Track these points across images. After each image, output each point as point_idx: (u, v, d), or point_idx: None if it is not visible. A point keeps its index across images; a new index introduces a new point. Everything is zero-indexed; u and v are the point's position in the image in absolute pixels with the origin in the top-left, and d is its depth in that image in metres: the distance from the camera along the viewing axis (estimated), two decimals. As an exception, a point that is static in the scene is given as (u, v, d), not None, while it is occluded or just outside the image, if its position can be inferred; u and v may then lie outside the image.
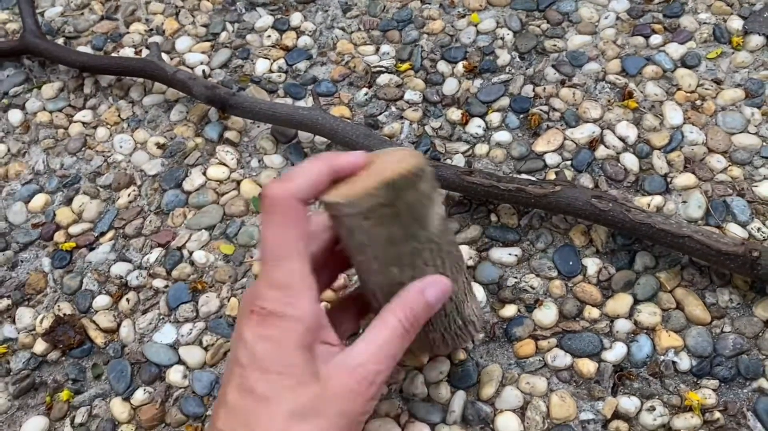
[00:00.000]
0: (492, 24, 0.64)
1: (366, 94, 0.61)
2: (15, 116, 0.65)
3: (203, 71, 0.64)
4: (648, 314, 0.47)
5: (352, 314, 0.42)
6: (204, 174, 0.59)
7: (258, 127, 0.61)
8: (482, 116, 0.59)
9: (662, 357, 0.46)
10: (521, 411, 0.45)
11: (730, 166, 0.53)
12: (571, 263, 0.50)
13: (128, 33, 0.70)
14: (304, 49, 0.66)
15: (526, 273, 0.50)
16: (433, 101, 0.60)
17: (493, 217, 0.53)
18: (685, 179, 0.53)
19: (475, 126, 0.58)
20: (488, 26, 0.64)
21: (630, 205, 0.47)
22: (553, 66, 0.61)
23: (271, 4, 0.70)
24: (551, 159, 0.55)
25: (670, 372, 0.45)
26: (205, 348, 0.50)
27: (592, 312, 0.48)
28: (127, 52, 0.68)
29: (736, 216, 0.51)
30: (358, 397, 0.33)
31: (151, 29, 0.70)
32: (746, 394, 0.44)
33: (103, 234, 0.57)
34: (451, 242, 0.38)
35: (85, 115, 0.64)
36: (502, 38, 0.63)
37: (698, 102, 0.57)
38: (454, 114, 0.59)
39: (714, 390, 0.44)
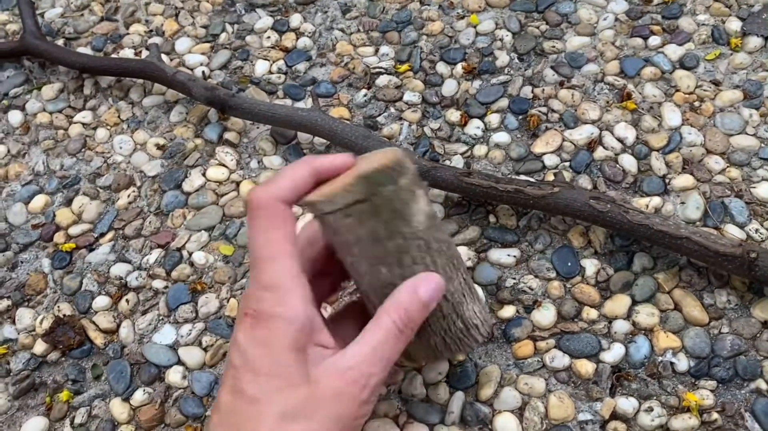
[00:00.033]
0: (491, 25, 0.65)
1: (365, 95, 0.62)
2: (15, 117, 0.65)
3: (203, 72, 0.64)
4: (646, 315, 0.48)
5: (355, 321, 0.42)
6: (203, 175, 0.59)
7: (257, 128, 0.61)
8: (481, 117, 0.59)
9: (660, 358, 0.46)
10: (519, 412, 0.45)
11: (728, 167, 0.53)
12: (569, 264, 0.50)
13: (128, 34, 0.70)
14: (303, 50, 0.66)
15: (524, 274, 0.51)
16: (432, 102, 0.60)
17: (492, 218, 0.53)
18: (684, 180, 0.53)
19: (474, 127, 0.58)
20: (487, 27, 0.64)
21: (628, 206, 0.47)
22: (551, 67, 0.61)
23: (270, 5, 0.70)
24: (550, 160, 0.56)
25: (668, 373, 0.46)
26: (205, 349, 0.50)
27: (590, 313, 0.48)
28: (127, 53, 0.68)
29: (734, 217, 0.51)
30: (350, 400, 0.33)
31: (151, 30, 0.70)
32: (744, 395, 0.44)
33: (102, 235, 0.57)
34: (442, 240, 0.37)
35: (84, 116, 0.64)
36: (501, 39, 0.63)
37: (697, 103, 0.57)
38: (453, 115, 0.59)
39: (712, 390, 0.45)
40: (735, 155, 0.54)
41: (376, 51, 0.65)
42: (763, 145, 0.54)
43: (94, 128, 0.64)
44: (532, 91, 0.60)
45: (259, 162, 0.59)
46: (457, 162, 0.56)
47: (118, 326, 0.52)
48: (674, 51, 0.60)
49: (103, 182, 0.60)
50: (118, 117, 0.64)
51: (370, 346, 0.34)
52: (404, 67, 0.63)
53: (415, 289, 0.35)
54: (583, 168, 0.55)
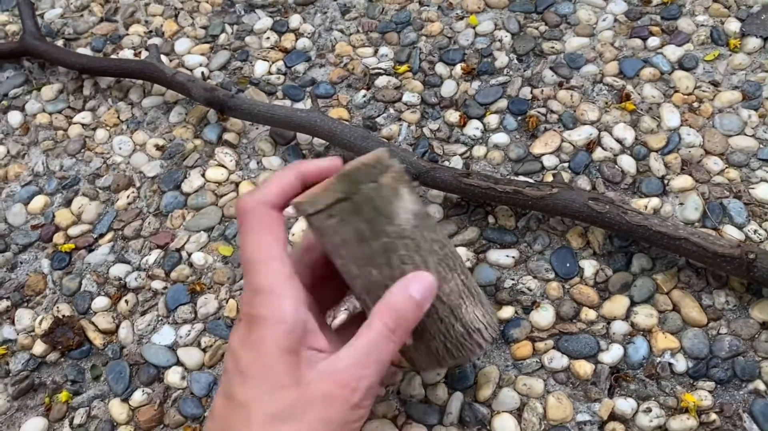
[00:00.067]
0: (490, 26, 0.65)
1: (364, 96, 0.62)
2: (14, 118, 0.65)
3: (202, 73, 0.64)
4: (644, 316, 0.48)
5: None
6: (203, 175, 0.59)
7: (257, 128, 0.61)
8: (480, 118, 0.59)
9: (659, 359, 0.46)
10: (518, 413, 0.45)
11: (727, 168, 0.53)
12: (568, 265, 0.50)
13: (127, 35, 0.70)
14: (302, 51, 0.66)
15: (523, 275, 0.51)
16: (431, 103, 0.61)
17: (491, 219, 0.53)
18: (682, 181, 0.53)
19: (473, 128, 0.58)
20: (486, 28, 0.65)
21: (627, 207, 0.47)
22: (550, 68, 0.61)
23: (270, 6, 0.70)
24: (549, 161, 0.56)
25: (667, 373, 0.46)
26: (204, 350, 0.50)
27: (588, 314, 0.48)
28: (127, 53, 0.68)
29: (733, 218, 0.51)
30: (340, 403, 0.33)
31: (151, 31, 0.70)
32: (742, 396, 0.45)
33: (102, 235, 0.57)
34: (434, 240, 0.37)
35: (84, 117, 0.64)
36: (500, 40, 0.63)
37: (695, 104, 0.57)
38: (452, 116, 0.59)
39: (710, 391, 0.45)
40: (734, 156, 0.54)
41: (376, 52, 0.65)
42: (761, 146, 0.54)
43: (94, 129, 0.64)
44: (531, 92, 0.60)
45: (258, 162, 0.59)
46: (456, 163, 0.56)
47: (118, 327, 0.52)
48: (673, 52, 0.60)
49: (102, 183, 0.60)
50: (118, 118, 0.64)
51: (361, 349, 0.34)
52: (403, 67, 0.63)
53: (405, 288, 0.35)
54: (582, 169, 0.55)
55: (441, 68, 0.63)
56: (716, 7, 0.63)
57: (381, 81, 0.62)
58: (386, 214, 0.35)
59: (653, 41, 0.61)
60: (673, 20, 0.62)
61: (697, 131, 0.55)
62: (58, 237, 0.57)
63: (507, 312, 0.49)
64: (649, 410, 0.44)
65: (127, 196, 0.59)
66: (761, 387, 0.44)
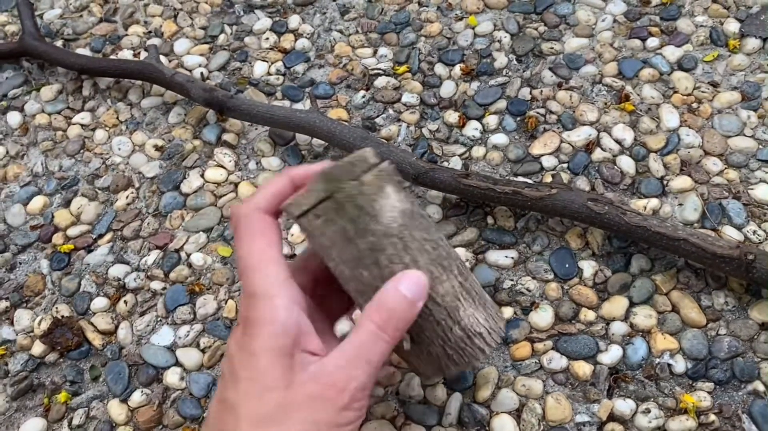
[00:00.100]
0: (489, 27, 0.65)
1: (363, 97, 0.62)
2: (14, 118, 0.65)
3: (201, 73, 0.64)
4: (643, 317, 0.48)
5: None
6: (202, 176, 0.59)
7: (256, 129, 0.61)
8: (479, 119, 0.59)
9: (657, 360, 0.46)
10: (517, 414, 0.45)
11: (726, 168, 0.53)
12: (567, 266, 0.50)
13: (127, 35, 0.70)
14: (302, 51, 0.66)
15: (522, 276, 0.51)
16: (431, 104, 0.60)
17: (490, 220, 0.53)
18: (681, 182, 0.53)
19: (472, 128, 0.58)
20: (485, 29, 0.65)
21: (626, 208, 0.47)
22: (550, 69, 0.61)
23: (269, 6, 0.70)
24: (548, 161, 0.56)
25: (666, 374, 0.46)
26: (203, 350, 0.50)
27: (587, 315, 0.48)
28: (126, 54, 0.68)
29: (732, 219, 0.51)
30: (328, 404, 0.32)
31: (150, 31, 0.70)
32: (741, 397, 0.45)
33: (101, 236, 0.57)
34: (426, 239, 0.36)
35: (83, 117, 0.64)
36: (500, 41, 0.63)
37: (695, 105, 0.57)
38: (452, 116, 0.59)
39: (709, 392, 0.45)
40: (733, 157, 0.54)
41: (375, 52, 0.65)
42: (760, 146, 0.54)
43: (93, 129, 0.64)
44: (531, 93, 0.60)
45: (257, 163, 0.59)
46: (455, 163, 0.56)
47: (117, 327, 0.52)
48: (672, 52, 0.60)
49: (101, 183, 0.60)
50: (117, 118, 0.64)
51: (350, 350, 0.34)
52: (403, 68, 0.63)
53: (395, 286, 0.34)
54: (581, 169, 0.55)
55: (440, 69, 0.63)
56: (715, 8, 0.63)
57: (380, 81, 0.62)
58: (370, 212, 0.35)
59: (652, 42, 0.61)
60: (672, 21, 0.63)
61: (697, 132, 0.55)
62: (57, 238, 0.57)
63: (506, 312, 0.49)
64: (648, 411, 0.44)
65: (126, 197, 0.58)
66: (760, 388, 0.44)
